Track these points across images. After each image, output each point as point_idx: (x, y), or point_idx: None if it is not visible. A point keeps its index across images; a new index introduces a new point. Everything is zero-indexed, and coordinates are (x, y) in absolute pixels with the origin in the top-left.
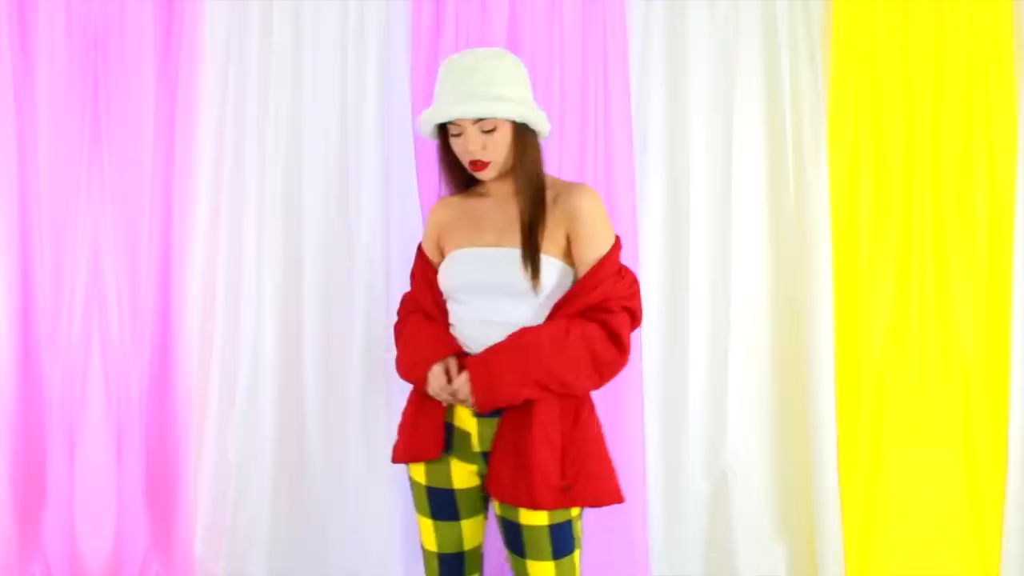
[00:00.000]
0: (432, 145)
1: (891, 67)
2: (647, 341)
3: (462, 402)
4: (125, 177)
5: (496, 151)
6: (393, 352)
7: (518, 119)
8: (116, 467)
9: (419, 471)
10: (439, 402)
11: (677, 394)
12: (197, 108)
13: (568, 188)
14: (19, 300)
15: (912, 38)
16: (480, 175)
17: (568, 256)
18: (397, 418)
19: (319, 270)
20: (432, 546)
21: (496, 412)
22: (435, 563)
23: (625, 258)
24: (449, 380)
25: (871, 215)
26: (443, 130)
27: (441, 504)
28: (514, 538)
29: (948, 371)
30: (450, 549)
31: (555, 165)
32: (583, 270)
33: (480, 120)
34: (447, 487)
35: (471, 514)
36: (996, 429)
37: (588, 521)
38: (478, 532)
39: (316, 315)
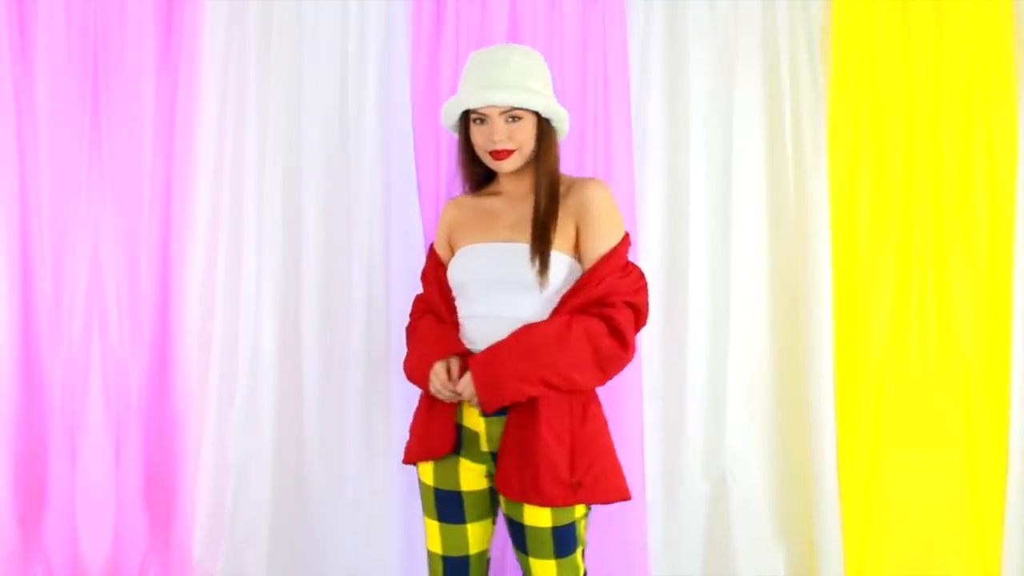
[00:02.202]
0: (431, 147)
1: (891, 67)
2: (646, 341)
3: (468, 401)
4: (125, 177)
5: (520, 141)
6: (395, 353)
7: (544, 112)
8: (115, 468)
9: (428, 472)
10: (448, 403)
11: (676, 395)
12: (197, 108)
13: (580, 182)
14: (19, 301)
15: (912, 38)
16: (501, 165)
17: (577, 252)
18: (397, 420)
19: (318, 271)
20: (437, 548)
21: (503, 411)
22: (439, 566)
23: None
24: (451, 379)
25: (871, 215)
26: (464, 123)
27: (448, 506)
28: (518, 536)
29: (948, 372)
30: (455, 552)
31: None
32: (589, 264)
33: (508, 110)
34: (455, 489)
35: (478, 518)
36: (997, 430)
37: (586, 521)
38: (484, 537)
39: (315, 316)
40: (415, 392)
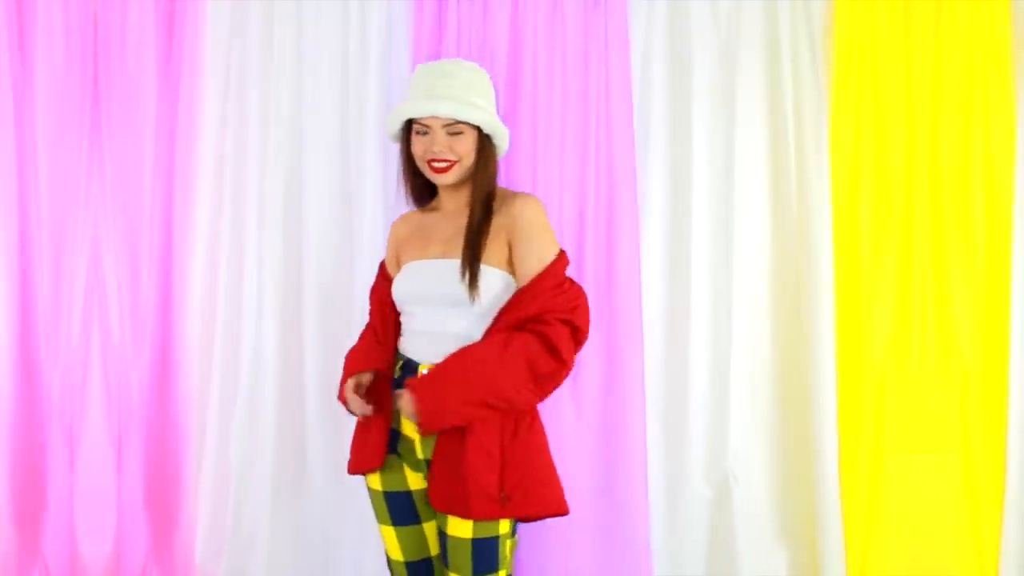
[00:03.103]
0: None
1: (892, 68)
2: (649, 345)
3: (405, 416)
4: (126, 180)
5: (460, 153)
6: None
7: (486, 127)
8: (116, 472)
9: (375, 478)
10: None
11: (679, 399)
12: (198, 113)
13: (511, 196)
14: (19, 304)
15: (913, 38)
16: (440, 178)
17: (511, 267)
18: None
19: (319, 273)
20: (398, 555)
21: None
22: (404, 573)
23: (627, 261)
24: (358, 392)
25: (873, 216)
26: (406, 134)
27: (400, 508)
28: (443, 547)
29: (950, 375)
30: (416, 556)
31: (556, 168)
32: (524, 281)
33: (451, 123)
34: (404, 489)
35: (431, 517)
36: (997, 433)
37: (590, 525)
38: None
39: (316, 319)
40: None
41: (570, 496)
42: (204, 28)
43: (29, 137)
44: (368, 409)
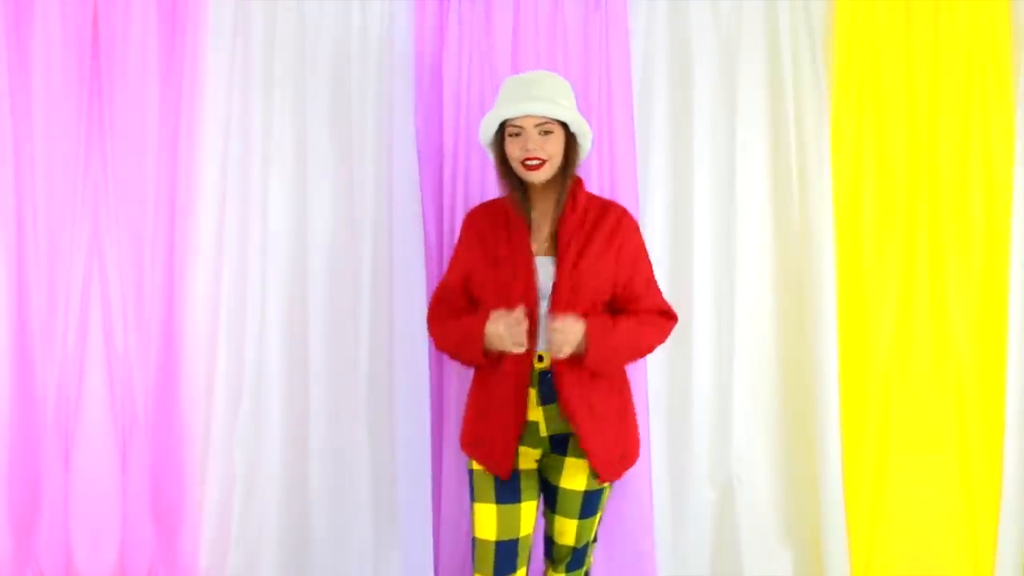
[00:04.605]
0: (435, 153)
1: (894, 68)
2: None
3: (549, 342)
4: (129, 180)
5: (550, 153)
6: (400, 359)
7: (573, 125)
8: (121, 478)
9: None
10: (509, 418)
11: (682, 401)
12: (201, 118)
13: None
14: (16, 306)
15: (915, 39)
16: (533, 176)
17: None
18: (403, 426)
19: (323, 277)
20: (491, 535)
21: (554, 399)
22: (491, 554)
23: None
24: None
25: (875, 218)
26: (500, 138)
27: (506, 486)
28: (550, 497)
29: (953, 375)
30: (507, 536)
31: None
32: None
33: (542, 122)
34: (515, 468)
35: (531, 498)
36: (994, 433)
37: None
38: (531, 519)
39: (321, 323)
40: (421, 397)
41: None
42: (207, 28)
43: (26, 137)
44: (524, 342)
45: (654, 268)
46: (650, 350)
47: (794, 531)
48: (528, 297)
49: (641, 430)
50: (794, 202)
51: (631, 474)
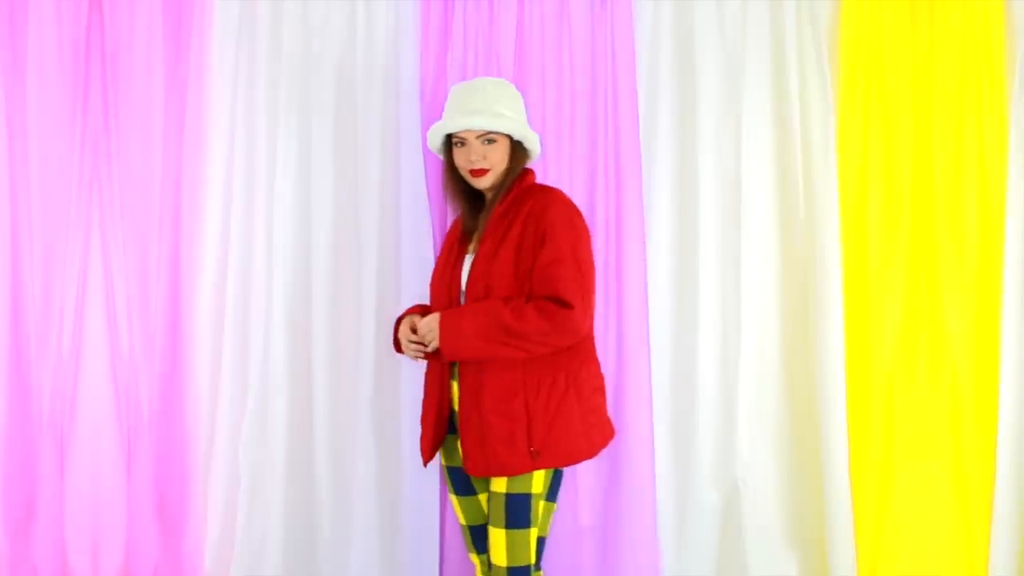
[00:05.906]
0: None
1: (900, 70)
2: (657, 350)
3: (428, 347)
4: (134, 183)
5: (493, 161)
6: (405, 360)
7: (515, 135)
8: (126, 480)
9: (442, 453)
10: (432, 409)
11: (687, 405)
12: (206, 120)
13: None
14: (13, 308)
15: (920, 41)
16: (478, 182)
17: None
18: (407, 427)
19: (328, 277)
20: (462, 519)
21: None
22: (468, 535)
23: (634, 264)
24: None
25: (881, 220)
26: (447, 148)
27: (459, 481)
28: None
29: (959, 378)
30: (475, 521)
31: (566, 171)
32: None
33: (482, 133)
34: (458, 465)
35: (484, 489)
36: (988, 438)
37: (598, 530)
38: None
39: (325, 324)
40: None
41: (576, 501)
42: (212, 31)
43: (21, 137)
44: (424, 341)
45: (653, 266)
46: (533, 339)
47: (800, 535)
48: (452, 293)
49: (644, 432)
50: (799, 203)
51: (634, 475)
